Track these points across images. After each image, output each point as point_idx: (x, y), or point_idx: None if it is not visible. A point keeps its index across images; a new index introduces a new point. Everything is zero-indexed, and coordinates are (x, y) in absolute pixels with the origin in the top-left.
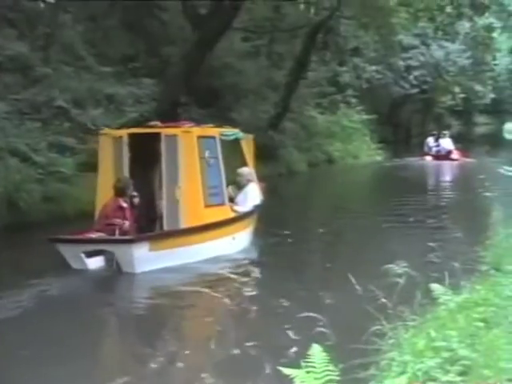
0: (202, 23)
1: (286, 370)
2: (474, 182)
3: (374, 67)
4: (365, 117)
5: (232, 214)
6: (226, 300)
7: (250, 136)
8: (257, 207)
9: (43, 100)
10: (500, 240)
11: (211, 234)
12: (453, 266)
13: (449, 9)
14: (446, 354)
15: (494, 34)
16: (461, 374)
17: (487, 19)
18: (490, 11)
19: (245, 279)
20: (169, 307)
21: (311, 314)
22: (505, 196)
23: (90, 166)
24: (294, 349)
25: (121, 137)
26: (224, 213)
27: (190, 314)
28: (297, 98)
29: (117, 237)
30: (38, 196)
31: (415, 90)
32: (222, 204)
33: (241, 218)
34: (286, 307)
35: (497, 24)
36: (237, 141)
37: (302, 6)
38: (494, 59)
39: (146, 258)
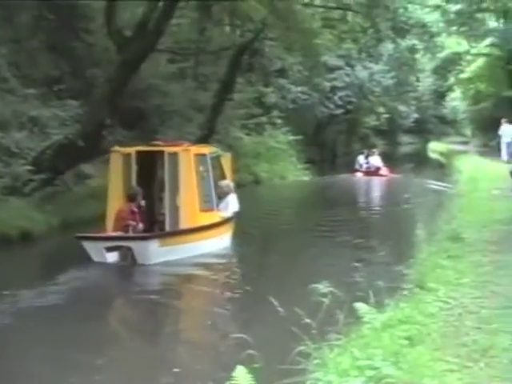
0: (127, 45)
1: None
2: (399, 196)
3: (299, 88)
4: (291, 137)
5: (219, 218)
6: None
7: (228, 154)
8: (236, 214)
9: None
10: (423, 258)
11: (206, 234)
12: (377, 284)
13: (371, 31)
14: (370, 373)
15: (417, 55)
16: None
17: (410, 41)
18: (412, 33)
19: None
20: (173, 289)
21: (238, 336)
22: (428, 210)
23: (15, 189)
24: (219, 371)
25: (129, 154)
26: (214, 217)
27: (187, 295)
28: (223, 120)
29: (134, 234)
30: None
31: (340, 111)
32: (212, 209)
33: (226, 221)
34: (212, 329)
35: (419, 45)
36: (217, 157)
37: (227, 28)
38: (418, 80)
39: (156, 252)
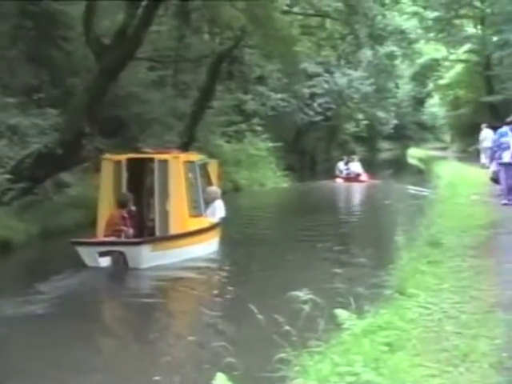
0: (106, 53)
1: None
2: (379, 202)
3: (278, 95)
4: (270, 144)
5: (207, 224)
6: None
7: (215, 161)
8: (223, 219)
9: None
10: (403, 264)
11: (195, 239)
12: (357, 290)
13: (350, 38)
14: (350, 379)
15: (396, 62)
16: None
17: (389, 47)
18: (391, 39)
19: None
20: (165, 291)
21: (219, 343)
22: (407, 216)
23: None
24: (199, 379)
25: (120, 161)
26: (202, 222)
27: (178, 298)
28: (202, 127)
29: (127, 239)
30: None
31: (319, 117)
32: (201, 215)
33: (213, 227)
34: (193, 336)
35: (398, 52)
36: (204, 164)
37: (206, 36)
38: (397, 86)
39: (148, 257)
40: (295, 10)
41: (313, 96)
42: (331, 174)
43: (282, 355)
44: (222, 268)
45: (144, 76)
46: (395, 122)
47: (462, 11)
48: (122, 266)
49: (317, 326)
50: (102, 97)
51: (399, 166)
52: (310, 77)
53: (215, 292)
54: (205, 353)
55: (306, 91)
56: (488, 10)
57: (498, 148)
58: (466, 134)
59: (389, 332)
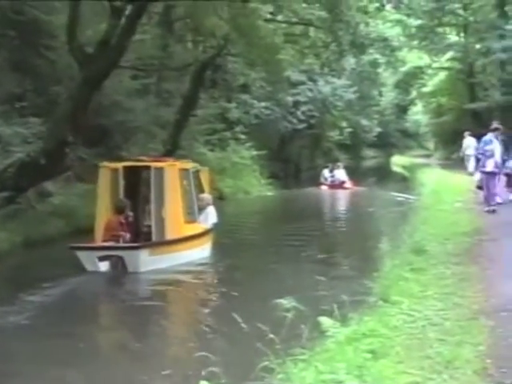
0: (89, 62)
1: None
2: (363, 209)
3: (262, 103)
4: (254, 153)
5: (201, 229)
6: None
7: (206, 168)
8: (215, 225)
9: None
10: (387, 271)
11: (190, 244)
12: (341, 298)
13: (333, 46)
14: None
15: (379, 70)
16: None
17: (372, 55)
18: (374, 47)
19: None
20: (162, 294)
21: (202, 354)
22: (391, 223)
23: None
24: None
25: (117, 169)
26: (196, 228)
27: (174, 300)
28: (186, 136)
29: (126, 244)
30: None
31: (303, 125)
32: (195, 221)
33: (206, 232)
34: (178, 344)
35: (381, 60)
36: (196, 172)
37: (189, 45)
38: (380, 94)
39: (146, 261)
40: (278, 18)
41: (296, 104)
42: (315, 181)
43: (266, 363)
44: (212, 274)
45: (127, 84)
46: (379, 129)
47: (445, 19)
48: (120, 270)
49: (301, 333)
50: (85, 105)
51: (383, 174)
52: (294, 85)
53: (204, 299)
54: (189, 361)
55: (290, 99)
56: (471, 18)
57: (482, 156)
58: (450, 141)
59: (372, 339)
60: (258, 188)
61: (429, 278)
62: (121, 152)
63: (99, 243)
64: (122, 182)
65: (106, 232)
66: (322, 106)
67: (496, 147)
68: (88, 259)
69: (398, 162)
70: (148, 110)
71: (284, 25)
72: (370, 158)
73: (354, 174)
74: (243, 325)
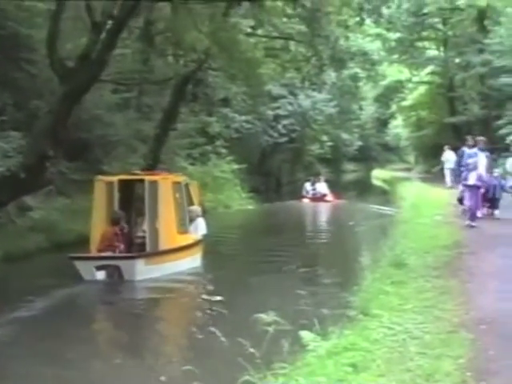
0: (69, 76)
1: None
2: (344, 222)
3: (243, 117)
4: (235, 166)
5: (192, 240)
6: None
7: (195, 181)
8: (205, 236)
9: None
10: (367, 284)
11: (183, 254)
12: (322, 312)
13: (314, 60)
14: None
15: (360, 84)
16: None
17: (352, 69)
18: (354, 61)
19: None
20: (156, 301)
21: (185, 368)
22: (372, 236)
23: None
24: None
25: (112, 182)
26: (188, 238)
27: (169, 307)
28: (167, 150)
29: (123, 254)
30: None
31: (284, 139)
32: (187, 232)
33: (197, 243)
34: (161, 358)
35: (362, 74)
36: (186, 185)
37: (170, 59)
38: (360, 108)
39: (142, 270)
40: (259, 32)
41: (277, 118)
42: (296, 195)
43: (247, 378)
44: (198, 285)
45: (108, 98)
46: (359, 143)
47: (425, 33)
48: (116, 279)
49: (282, 347)
50: (65, 119)
51: (363, 187)
52: (275, 99)
53: (189, 311)
54: (171, 375)
55: (271, 113)
56: (450, 33)
57: (464, 169)
58: (430, 154)
59: (353, 353)
60: (239, 202)
61: (409, 291)
62: (102, 166)
63: (96, 253)
64: (117, 195)
65: (101, 243)
66: (303, 119)
67: (481, 160)
68: (86, 268)
69: (378, 175)
70: (128, 124)
71: (264, 39)
72: (351, 171)
73: (335, 187)
74: (223, 339)
